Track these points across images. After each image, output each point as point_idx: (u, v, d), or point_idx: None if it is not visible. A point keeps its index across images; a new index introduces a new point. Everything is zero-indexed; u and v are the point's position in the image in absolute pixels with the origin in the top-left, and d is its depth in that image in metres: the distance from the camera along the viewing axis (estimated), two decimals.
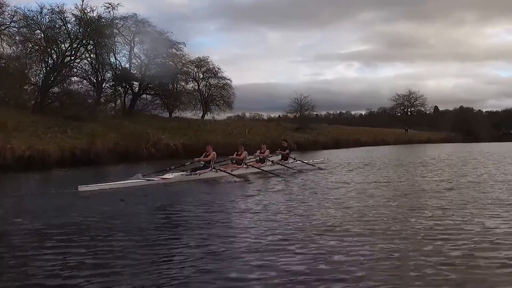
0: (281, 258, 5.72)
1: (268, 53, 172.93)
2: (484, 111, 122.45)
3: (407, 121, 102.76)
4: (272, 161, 18.11)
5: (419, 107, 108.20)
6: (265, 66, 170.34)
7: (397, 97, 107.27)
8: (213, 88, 51.91)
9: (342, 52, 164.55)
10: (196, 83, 51.11)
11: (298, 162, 19.65)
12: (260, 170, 16.54)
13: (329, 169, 18.96)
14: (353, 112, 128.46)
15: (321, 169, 18.71)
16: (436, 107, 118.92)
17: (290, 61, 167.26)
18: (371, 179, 15.22)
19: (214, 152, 15.31)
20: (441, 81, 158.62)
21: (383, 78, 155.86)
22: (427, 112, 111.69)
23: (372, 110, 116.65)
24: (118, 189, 12.01)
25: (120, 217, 8.74)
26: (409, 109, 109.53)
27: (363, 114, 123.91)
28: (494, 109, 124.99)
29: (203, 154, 15.41)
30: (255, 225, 7.79)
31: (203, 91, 51.57)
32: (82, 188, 11.30)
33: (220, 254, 5.96)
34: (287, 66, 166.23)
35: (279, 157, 19.13)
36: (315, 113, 57.13)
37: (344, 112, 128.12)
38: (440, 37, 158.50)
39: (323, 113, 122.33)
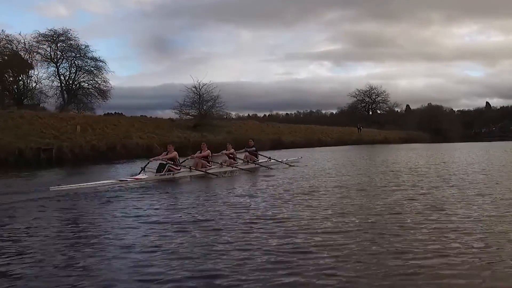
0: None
1: (238, 52, 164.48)
2: (456, 110, 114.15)
3: (368, 119, 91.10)
4: (243, 160, 17.19)
5: (381, 104, 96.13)
6: (234, 65, 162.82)
7: (357, 92, 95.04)
8: (81, 73, 37.75)
9: (312, 51, 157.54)
10: (54, 65, 36.87)
11: (272, 161, 18.57)
12: (232, 169, 15.78)
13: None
14: (324, 111, 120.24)
15: (291, 166, 18.23)
16: (408, 106, 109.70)
17: (261, 60, 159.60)
18: None
19: (175, 152, 14.39)
20: (413, 81, 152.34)
21: (355, 78, 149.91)
22: (398, 110, 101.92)
23: (344, 109, 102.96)
24: (88, 189, 11.05)
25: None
26: (371, 106, 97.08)
27: (334, 113, 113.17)
28: (466, 108, 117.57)
29: (163, 154, 14.63)
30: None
31: (66, 76, 37.35)
32: (53, 188, 10.40)
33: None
34: (257, 65, 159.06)
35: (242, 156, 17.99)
36: (221, 107, 41.65)
37: (314, 111, 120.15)
38: (407, 37, 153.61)
39: (293, 112, 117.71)
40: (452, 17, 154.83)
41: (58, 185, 10.67)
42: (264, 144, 40.24)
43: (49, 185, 10.69)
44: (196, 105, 39.79)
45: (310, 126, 63.53)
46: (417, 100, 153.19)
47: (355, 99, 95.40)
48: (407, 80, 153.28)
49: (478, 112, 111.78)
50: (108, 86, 38.57)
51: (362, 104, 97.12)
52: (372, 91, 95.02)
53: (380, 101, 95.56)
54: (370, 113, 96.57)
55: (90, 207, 8.81)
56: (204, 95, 39.75)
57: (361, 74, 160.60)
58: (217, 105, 40.15)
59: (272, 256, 5.14)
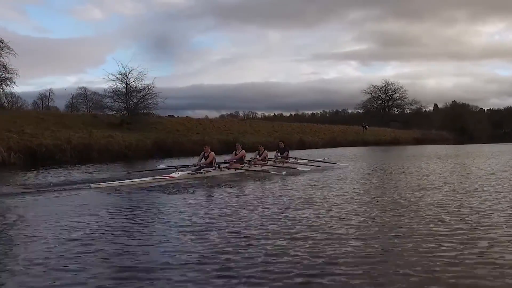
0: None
1: (267, 52, 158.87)
2: (485, 109, 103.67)
3: (385, 118, 79.35)
4: (274, 161, 16.39)
5: (398, 101, 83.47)
6: (263, 65, 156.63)
7: (372, 88, 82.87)
8: None
9: (338, 51, 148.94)
10: None
11: (301, 161, 17.48)
12: (261, 169, 14.82)
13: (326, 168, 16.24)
14: (350, 111, 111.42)
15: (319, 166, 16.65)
16: (435, 105, 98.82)
17: (289, 60, 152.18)
18: None
19: (212, 152, 13.88)
20: (441, 81, 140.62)
21: (383, 77, 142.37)
22: (426, 109, 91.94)
23: (358, 106, 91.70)
24: (127, 186, 11.11)
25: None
26: (387, 103, 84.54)
27: (360, 112, 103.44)
28: (496, 107, 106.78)
29: (201, 154, 13.95)
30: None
31: None
32: (94, 185, 10.80)
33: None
34: (285, 65, 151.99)
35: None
36: (155, 100, 29.94)
37: (340, 110, 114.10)
38: (432, 36, 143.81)
39: (319, 111, 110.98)
40: (477, 15, 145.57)
41: (98, 183, 11.02)
42: (213, 145, 29.76)
43: None
44: (122, 97, 29.27)
45: (303, 125, 52.55)
46: (446, 100, 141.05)
47: (370, 95, 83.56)
48: (435, 80, 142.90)
49: (508, 111, 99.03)
50: (13, 72, 28.78)
51: (378, 102, 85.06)
52: (388, 87, 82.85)
53: (397, 98, 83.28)
54: (388, 110, 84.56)
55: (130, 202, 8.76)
56: (133, 83, 29.26)
57: (389, 74, 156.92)
58: (149, 96, 29.44)
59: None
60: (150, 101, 29.43)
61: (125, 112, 29.25)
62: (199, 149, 29.51)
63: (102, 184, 10.90)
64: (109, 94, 28.95)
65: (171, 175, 12.45)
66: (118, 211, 7.71)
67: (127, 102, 29.10)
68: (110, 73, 28.88)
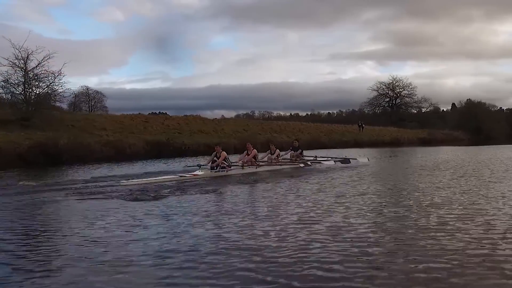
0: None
1: (285, 52, 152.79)
2: (505, 109, 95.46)
3: (393, 116, 71.85)
4: (290, 159, 16.44)
5: (406, 99, 75.22)
6: (282, 65, 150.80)
7: (378, 85, 75.09)
8: None
9: (355, 51, 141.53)
10: None
11: (317, 160, 17.04)
12: (278, 168, 14.98)
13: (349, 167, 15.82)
14: (366, 110, 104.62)
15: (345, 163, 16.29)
16: (453, 104, 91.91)
17: (307, 61, 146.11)
18: None
19: (224, 152, 13.56)
20: (459, 80, 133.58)
21: (401, 77, 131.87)
22: (443, 109, 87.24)
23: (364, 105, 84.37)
24: (154, 184, 11.14)
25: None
26: (395, 101, 76.43)
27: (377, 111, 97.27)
28: None
29: (213, 154, 13.63)
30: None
31: None
32: (123, 182, 10.92)
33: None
34: (303, 65, 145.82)
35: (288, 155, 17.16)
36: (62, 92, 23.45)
37: (356, 110, 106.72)
38: (448, 35, 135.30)
39: (335, 111, 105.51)
40: (493, 14, 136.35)
41: (127, 179, 11.28)
42: (135, 146, 22.84)
43: None
44: (20, 87, 22.55)
45: (284, 123, 45.36)
46: (465, 100, 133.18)
47: (376, 93, 75.73)
48: (454, 79, 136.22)
49: None
50: None
51: (386, 99, 77.08)
52: (396, 84, 74.70)
53: (406, 95, 75.05)
54: (396, 109, 76.66)
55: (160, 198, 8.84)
56: (34, 69, 22.50)
57: (407, 74, 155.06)
58: (55, 86, 22.68)
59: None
60: (57, 92, 22.66)
61: (23, 105, 22.54)
62: (109, 153, 23.32)
63: (131, 182, 11.00)
64: (1, 84, 22.16)
65: (195, 173, 12.78)
66: None
67: (25, 93, 22.37)
68: (3, 56, 21.69)
